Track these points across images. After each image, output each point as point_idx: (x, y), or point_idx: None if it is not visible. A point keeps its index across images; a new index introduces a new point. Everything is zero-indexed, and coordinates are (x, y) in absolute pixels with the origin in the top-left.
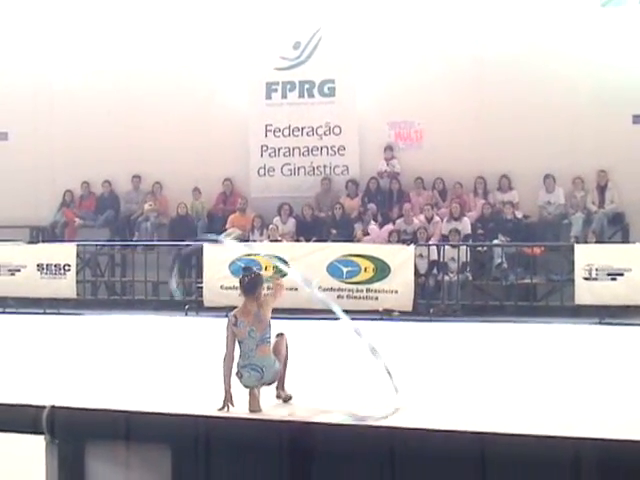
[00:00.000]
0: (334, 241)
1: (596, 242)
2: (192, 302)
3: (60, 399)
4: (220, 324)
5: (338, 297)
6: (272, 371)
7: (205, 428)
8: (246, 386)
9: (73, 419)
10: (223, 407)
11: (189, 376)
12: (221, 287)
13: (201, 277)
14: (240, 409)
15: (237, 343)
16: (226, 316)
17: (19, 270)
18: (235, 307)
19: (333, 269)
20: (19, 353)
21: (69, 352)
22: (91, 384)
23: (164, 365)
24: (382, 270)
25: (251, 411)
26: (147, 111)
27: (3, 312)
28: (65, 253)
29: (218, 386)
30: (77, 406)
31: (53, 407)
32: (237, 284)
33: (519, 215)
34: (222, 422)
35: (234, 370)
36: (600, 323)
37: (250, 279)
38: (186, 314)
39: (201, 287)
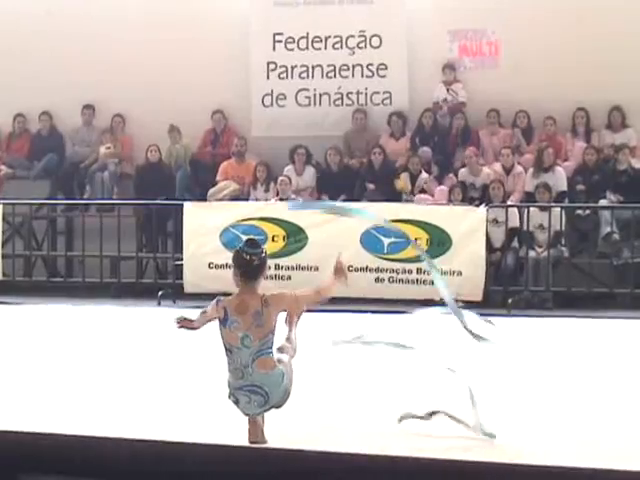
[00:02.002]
0: (371, 200)
1: None
2: (167, 286)
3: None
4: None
5: (377, 280)
6: (280, 391)
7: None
8: (246, 414)
9: None
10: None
11: (158, 391)
12: (209, 266)
13: (180, 251)
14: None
15: (225, 350)
16: None
17: None
18: (229, 293)
19: (369, 240)
20: None
21: None
22: (22, 401)
23: (125, 375)
24: (440, 242)
25: (252, 442)
26: (105, 13)
27: None
28: None
29: (201, 408)
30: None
31: None
32: (230, 261)
33: (637, 164)
34: (204, 451)
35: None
36: None
37: (258, 259)
38: (159, 303)
39: (180, 265)
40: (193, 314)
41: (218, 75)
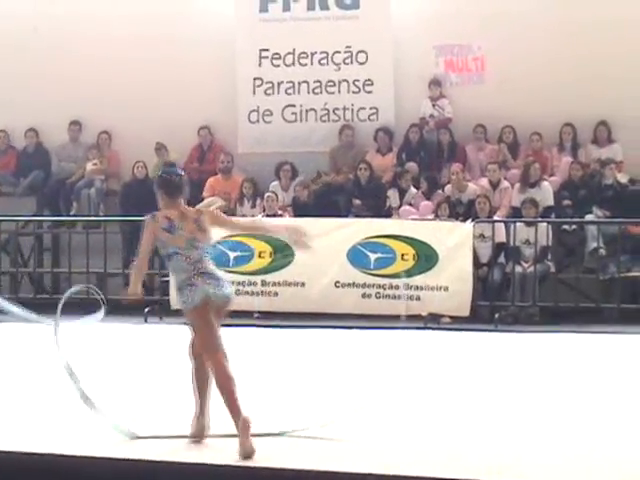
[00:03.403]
0: (358, 216)
1: None
2: (154, 303)
3: None
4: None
5: (363, 296)
6: (229, 290)
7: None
8: (196, 306)
9: None
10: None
11: (143, 408)
12: None
13: (166, 267)
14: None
15: (168, 256)
16: None
17: None
18: None
19: (356, 255)
20: None
21: None
22: (10, 420)
23: (110, 393)
24: (427, 257)
25: (245, 457)
26: (91, 30)
27: None
28: None
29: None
30: None
31: None
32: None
33: (623, 179)
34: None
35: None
36: None
37: (177, 176)
38: (145, 320)
39: (166, 282)
40: (179, 334)
41: (204, 91)
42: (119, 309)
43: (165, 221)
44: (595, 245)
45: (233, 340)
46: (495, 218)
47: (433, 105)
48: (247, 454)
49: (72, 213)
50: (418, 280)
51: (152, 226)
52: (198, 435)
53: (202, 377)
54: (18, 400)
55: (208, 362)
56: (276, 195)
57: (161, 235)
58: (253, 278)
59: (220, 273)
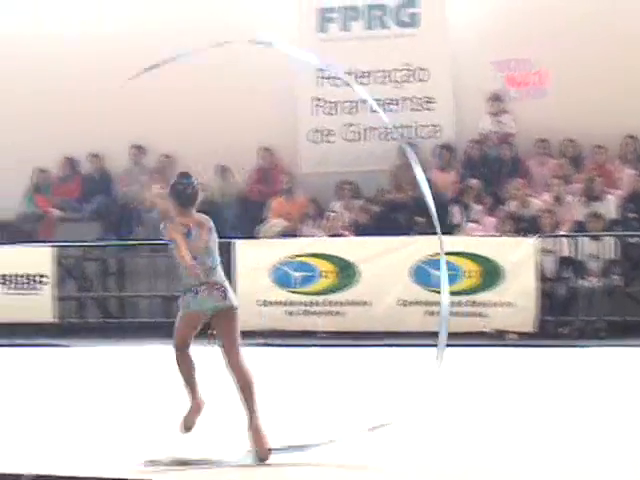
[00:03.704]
0: (420, 234)
1: None
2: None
3: (42, 465)
4: (257, 357)
5: (427, 313)
6: (233, 300)
7: None
8: (195, 310)
9: None
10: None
11: (207, 434)
12: (258, 302)
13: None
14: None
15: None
16: (266, 345)
17: None
18: (280, 330)
19: (420, 274)
20: None
21: (46, 401)
22: (80, 445)
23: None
24: (491, 274)
25: (262, 459)
26: (151, 54)
27: None
28: (38, 259)
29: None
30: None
31: (38, 477)
32: (281, 298)
33: None
34: None
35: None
36: None
37: (191, 187)
38: (208, 342)
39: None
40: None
41: (265, 113)
42: None
43: (184, 228)
44: None
45: (299, 360)
46: (559, 233)
47: (494, 120)
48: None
49: (136, 237)
50: (483, 297)
51: (174, 228)
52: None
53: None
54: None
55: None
56: (338, 214)
57: (183, 238)
58: (317, 298)
59: (227, 283)
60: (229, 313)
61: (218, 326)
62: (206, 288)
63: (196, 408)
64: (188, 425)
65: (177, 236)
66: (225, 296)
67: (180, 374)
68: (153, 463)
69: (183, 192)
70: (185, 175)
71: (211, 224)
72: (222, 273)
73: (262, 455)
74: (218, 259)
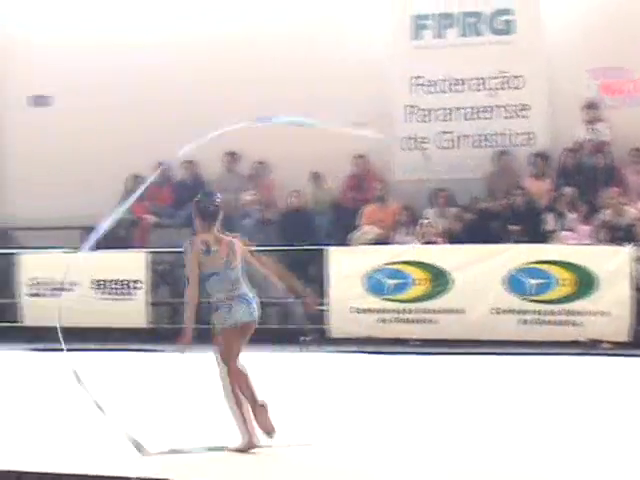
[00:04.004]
0: (515, 242)
1: None
2: (311, 332)
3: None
4: (352, 363)
5: (520, 322)
6: (256, 312)
7: None
8: (231, 325)
9: None
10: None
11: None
12: (351, 310)
13: (323, 296)
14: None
15: (207, 277)
16: (359, 351)
17: (69, 289)
18: (372, 338)
19: (514, 282)
20: (73, 408)
21: (135, 405)
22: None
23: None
24: (586, 282)
25: (267, 432)
26: (245, 59)
27: (46, 349)
28: (133, 264)
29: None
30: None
31: None
32: (374, 305)
33: None
34: None
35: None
36: None
37: (213, 205)
38: (302, 349)
39: (325, 310)
40: (339, 363)
41: (359, 119)
42: (276, 338)
43: (203, 245)
44: None
45: (391, 368)
46: None
47: (588, 128)
48: (268, 431)
49: None
50: (578, 305)
51: (193, 250)
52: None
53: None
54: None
55: (223, 368)
56: (432, 222)
57: (201, 258)
58: (411, 306)
59: (251, 295)
60: (251, 326)
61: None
62: (235, 300)
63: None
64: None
65: (190, 262)
66: (249, 308)
67: (225, 389)
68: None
69: (206, 209)
70: (209, 193)
71: (234, 242)
72: (245, 285)
73: (268, 430)
74: (241, 273)
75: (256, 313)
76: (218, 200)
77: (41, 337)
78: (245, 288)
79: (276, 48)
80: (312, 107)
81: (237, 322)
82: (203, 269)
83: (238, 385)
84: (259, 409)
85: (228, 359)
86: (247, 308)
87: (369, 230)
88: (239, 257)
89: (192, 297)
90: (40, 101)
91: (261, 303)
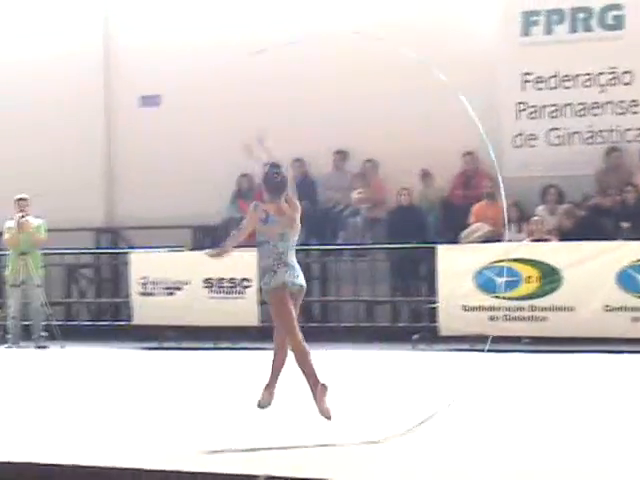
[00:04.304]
0: (627, 239)
1: None
2: (422, 330)
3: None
4: (460, 361)
5: (633, 319)
6: (303, 281)
7: None
8: (275, 288)
9: None
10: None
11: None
12: (464, 308)
13: (433, 294)
14: None
15: (261, 243)
16: (471, 349)
17: (179, 288)
18: (482, 335)
19: (625, 279)
20: (181, 410)
21: (247, 402)
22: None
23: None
24: None
25: (326, 417)
26: (353, 57)
27: (159, 347)
28: (243, 263)
29: None
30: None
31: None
32: (484, 303)
33: None
34: None
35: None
36: None
37: (280, 176)
38: (413, 347)
39: (434, 308)
40: (449, 360)
41: (468, 118)
42: (386, 336)
43: (263, 213)
44: None
45: (502, 366)
46: None
47: None
48: (324, 413)
49: (339, 242)
50: None
51: (253, 215)
52: (266, 404)
53: (281, 358)
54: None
55: (288, 341)
56: (542, 219)
57: (258, 226)
58: (521, 303)
59: (298, 266)
60: (300, 293)
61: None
62: (281, 267)
63: (270, 391)
64: (263, 404)
65: (248, 220)
66: (296, 275)
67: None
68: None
69: (272, 180)
70: (276, 165)
71: (295, 215)
72: (294, 258)
73: (324, 413)
74: (293, 245)
75: (301, 280)
76: (285, 172)
77: (151, 336)
78: (292, 258)
79: (382, 42)
80: (421, 102)
81: (278, 284)
82: (259, 236)
83: (277, 355)
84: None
85: (283, 328)
86: (292, 272)
87: (479, 227)
88: (297, 231)
89: (230, 245)
90: (149, 101)
91: (370, 302)
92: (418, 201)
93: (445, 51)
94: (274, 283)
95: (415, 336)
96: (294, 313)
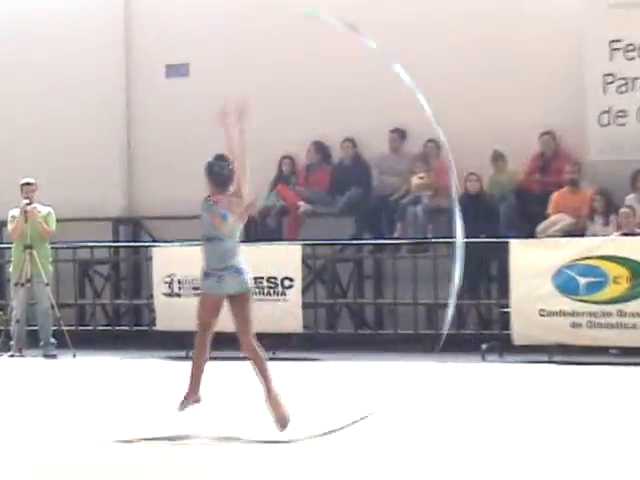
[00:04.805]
0: None
1: None
2: (492, 338)
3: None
4: (539, 374)
5: None
6: (248, 283)
7: None
8: (218, 294)
9: None
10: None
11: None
12: (541, 313)
13: (506, 296)
14: None
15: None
16: (550, 361)
17: None
18: (564, 345)
19: None
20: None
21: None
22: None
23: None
24: None
25: (280, 422)
26: (413, 25)
27: (186, 357)
28: (285, 259)
29: None
30: None
31: None
32: (565, 307)
33: None
34: None
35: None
36: None
37: (227, 169)
38: (483, 358)
39: (507, 313)
40: (525, 375)
41: (546, 92)
42: (451, 346)
43: (218, 208)
44: None
45: (587, 380)
46: None
47: None
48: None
49: (396, 235)
50: None
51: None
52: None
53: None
54: None
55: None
56: (633, 210)
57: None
58: (608, 308)
59: (244, 264)
60: (245, 296)
61: (234, 307)
62: (227, 270)
63: (191, 396)
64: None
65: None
66: (244, 280)
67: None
68: None
69: (219, 174)
70: (221, 157)
71: (240, 209)
72: (240, 256)
73: (281, 422)
74: (237, 243)
75: (245, 285)
76: (230, 165)
77: (177, 343)
78: (238, 259)
79: (448, 26)
80: (499, 84)
81: (222, 293)
82: (207, 229)
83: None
84: (273, 398)
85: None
86: (235, 279)
87: (559, 219)
88: (241, 223)
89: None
90: (176, 71)
91: (435, 305)
92: (488, 188)
93: (528, 20)
94: (217, 290)
95: (484, 345)
96: (215, 318)
